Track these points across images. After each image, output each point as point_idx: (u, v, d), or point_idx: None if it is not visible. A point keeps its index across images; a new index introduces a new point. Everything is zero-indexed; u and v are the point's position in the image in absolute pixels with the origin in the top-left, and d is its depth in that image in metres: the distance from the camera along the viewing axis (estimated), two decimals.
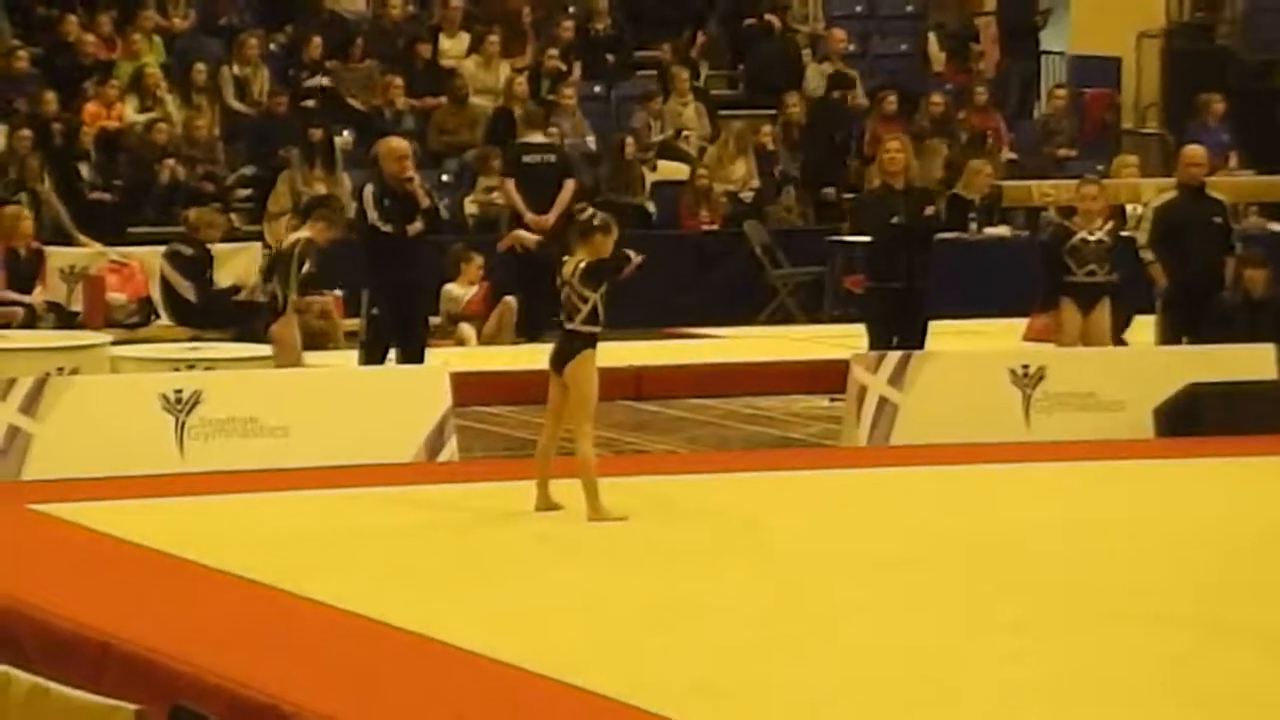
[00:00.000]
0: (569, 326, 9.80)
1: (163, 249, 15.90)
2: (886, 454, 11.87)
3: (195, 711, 6.55)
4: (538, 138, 16.86)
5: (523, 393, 13.98)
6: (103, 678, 7.20)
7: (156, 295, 16.02)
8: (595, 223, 9.82)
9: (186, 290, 15.60)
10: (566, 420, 9.87)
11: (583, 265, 9.75)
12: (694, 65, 20.02)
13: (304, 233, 12.37)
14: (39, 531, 9.64)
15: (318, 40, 19.07)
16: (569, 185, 16.48)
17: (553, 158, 16.65)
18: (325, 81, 18.81)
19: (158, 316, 16.80)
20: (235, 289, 15.58)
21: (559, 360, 9.82)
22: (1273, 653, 7.68)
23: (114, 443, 10.90)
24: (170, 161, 17.60)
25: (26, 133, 17.11)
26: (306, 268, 12.16)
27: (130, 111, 18.16)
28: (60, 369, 12.29)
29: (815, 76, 20.21)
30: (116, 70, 18.51)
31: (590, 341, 9.78)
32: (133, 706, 6.12)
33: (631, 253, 9.97)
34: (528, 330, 15.85)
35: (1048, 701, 7.04)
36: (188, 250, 15.74)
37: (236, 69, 18.68)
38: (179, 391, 11.13)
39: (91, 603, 8.05)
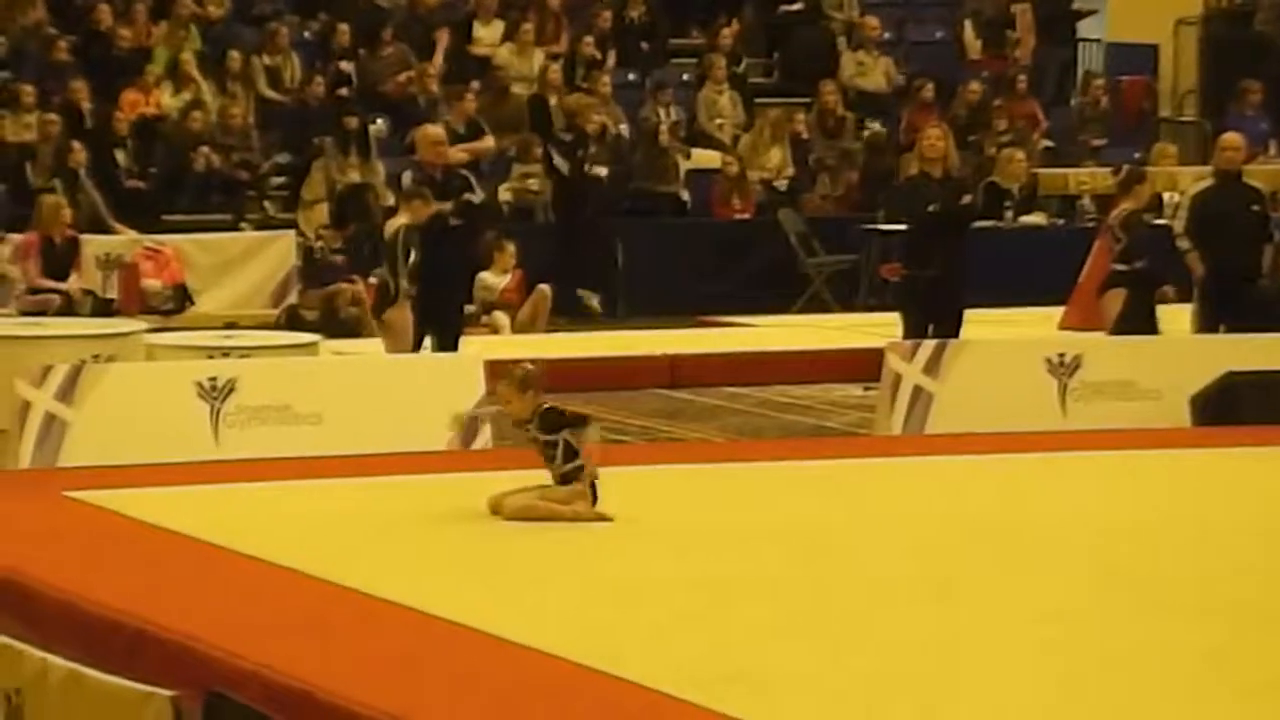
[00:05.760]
0: None
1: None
2: (921, 443, 11.84)
3: (230, 698, 6.56)
4: None
5: (556, 381, 13.97)
6: (137, 664, 7.19)
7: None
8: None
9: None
10: None
11: None
12: (731, 53, 19.98)
13: (402, 218, 12.28)
14: (74, 518, 9.65)
15: (350, 28, 19.09)
16: None
17: None
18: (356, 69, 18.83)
19: (192, 303, 16.82)
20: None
21: None
22: None
23: (149, 430, 10.91)
24: (205, 149, 17.63)
25: (53, 118, 17.17)
26: (414, 257, 12.05)
27: (166, 99, 18.19)
28: (96, 356, 12.29)
29: (850, 64, 20.16)
30: (153, 58, 18.55)
31: None
32: (168, 693, 6.14)
33: None
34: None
35: (1083, 692, 7.01)
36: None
37: (268, 58, 18.70)
38: (214, 379, 11.13)
39: (126, 589, 8.06)
